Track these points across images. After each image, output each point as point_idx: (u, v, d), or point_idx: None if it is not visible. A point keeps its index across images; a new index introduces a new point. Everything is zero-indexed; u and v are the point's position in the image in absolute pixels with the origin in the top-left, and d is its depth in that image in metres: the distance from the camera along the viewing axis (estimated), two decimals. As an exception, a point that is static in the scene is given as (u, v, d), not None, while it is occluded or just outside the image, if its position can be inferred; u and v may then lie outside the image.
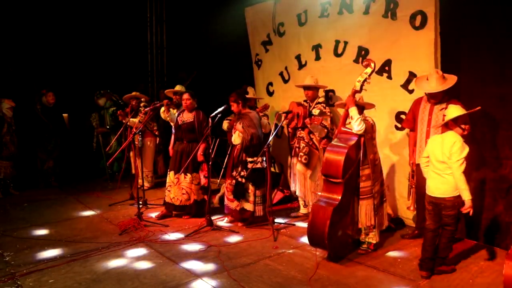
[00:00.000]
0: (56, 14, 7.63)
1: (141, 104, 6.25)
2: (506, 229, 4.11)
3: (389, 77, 4.84)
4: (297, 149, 5.08)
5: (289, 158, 5.32)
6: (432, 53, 4.34)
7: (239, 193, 4.82)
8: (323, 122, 4.71)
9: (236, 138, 4.90)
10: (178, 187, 5.11)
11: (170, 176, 5.19)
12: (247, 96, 5.42)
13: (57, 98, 6.97)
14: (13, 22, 7.30)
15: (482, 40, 4.16)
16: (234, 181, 4.83)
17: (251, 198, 4.82)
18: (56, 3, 7.59)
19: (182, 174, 5.07)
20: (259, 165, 4.73)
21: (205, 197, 5.07)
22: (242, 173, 4.77)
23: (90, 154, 7.60)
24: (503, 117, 4.09)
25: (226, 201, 5.03)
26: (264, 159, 4.72)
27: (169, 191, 5.19)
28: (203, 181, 5.09)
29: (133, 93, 6.58)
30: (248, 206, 4.84)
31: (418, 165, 4.24)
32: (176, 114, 5.35)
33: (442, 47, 4.36)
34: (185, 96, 5.17)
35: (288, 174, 5.43)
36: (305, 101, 5.13)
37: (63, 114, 8.25)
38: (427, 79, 3.99)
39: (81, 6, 7.87)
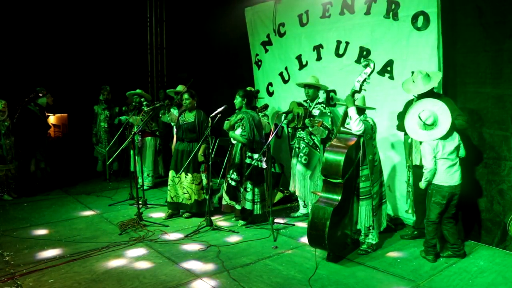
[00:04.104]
0: (56, 14, 7.64)
1: (144, 103, 6.26)
2: (505, 230, 4.10)
3: (391, 78, 4.84)
4: (297, 149, 5.09)
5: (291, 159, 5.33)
6: (435, 54, 4.35)
7: (232, 195, 4.88)
8: (324, 123, 4.71)
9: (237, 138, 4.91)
10: (179, 186, 5.13)
11: (171, 175, 5.20)
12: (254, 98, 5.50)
13: (54, 99, 6.98)
14: (13, 23, 7.30)
15: (479, 40, 4.16)
16: (226, 183, 4.91)
17: (250, 197, 4.83)
18: (56, 4, 7.59)
19: (183, 174, 5.08)
20: (262, 164, 4.74)
21: (207, 197, 5.08)
22: (233, 176, 4.83)
23: (90, 154, 7.59)
24: (501, 117, 4.09)
25: (224, 200, 5.03)
26: (264, 159, 4.72)
27: (169, 190, 5.20)
28: (205, 181, 5.10)
29: (137, 91, 6.58)
30: (247, 205, 4.85)
31: (414, 167, 4.25)
32: (178, 114, 5.37)
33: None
34: (184, 96, 5.19)
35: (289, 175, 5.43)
36: (305, 101, 5.13)
37: (63, 114, 8.28)
38: (413, 81, 4.03)
39: (81, 6, 7.88)
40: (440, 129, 3.66)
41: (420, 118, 3.68)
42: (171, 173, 5.20)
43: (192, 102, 5.18)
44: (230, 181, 4.89)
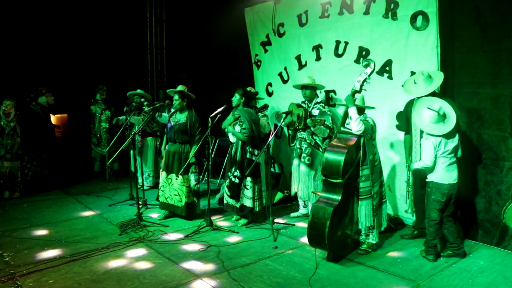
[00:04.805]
0: (56, 14, 7.63)
1: (145, 103, 6.26)
2: (504, 230, 4.11)
3: (390, 77, 4.85)
4: (298, 150, 5.07)
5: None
6: (434, 54, 4.36)
7: (235, 193, 4.88)
8: (325, 122, 4.71)
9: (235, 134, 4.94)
10: (171, 188, 5.10)
11: (163, 176, 5.19)
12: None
13: (54, 99, 6.98)
14: (13, 23, 7.30)
15: (478, 40, 4.16)
16: (228, 180, 4.91)
17: (250, 194, 4.83)
18: (56, 4, 7.59)
19: (174, 176, 5.06)
20: (257, 160, 4.76)
21: (195, 199, 5.12)
22: (236, 173, 4.84)
23: (90, 154, 7.59)
24: (499, 118, 4.09)
25: (225, 199, 5.04)
26: (261, 156, 4.74)
27: (162, 191, 5.19)
28: (193, 183, 5.08)
29: (138, 91, 6.58)
30: (248, 203, 4.86)
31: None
32: (169, 115, 5.34)
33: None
34: (175, 97, 5.15)
35: (290, 175, 5.42)
36: (303, 102, 5.12)
37: (63, 114, 8.27)
38: (415, 82, 4.02)
39: (81, 6, 7.88)
40: (450, 122, 3.68)
41: (433, 109, 3.65)
42: (163, 174, 5.18)
43: (181, 103, 5.13)
44: (233, 179, 4.88)
